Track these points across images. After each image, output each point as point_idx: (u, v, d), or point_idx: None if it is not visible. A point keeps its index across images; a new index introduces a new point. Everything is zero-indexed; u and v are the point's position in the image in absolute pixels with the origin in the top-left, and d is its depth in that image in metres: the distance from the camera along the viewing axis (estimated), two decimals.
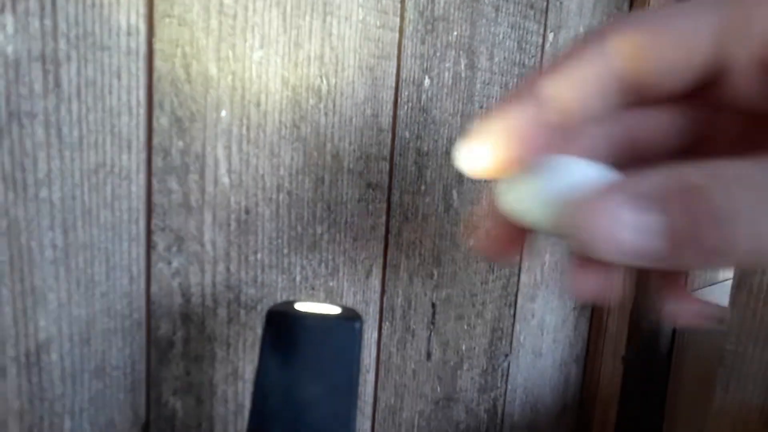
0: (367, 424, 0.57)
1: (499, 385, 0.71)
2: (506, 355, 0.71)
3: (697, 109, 0.30)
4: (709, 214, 0.22)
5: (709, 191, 0.22)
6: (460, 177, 0.60)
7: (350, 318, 0.31)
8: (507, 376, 0.72)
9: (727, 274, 1.05)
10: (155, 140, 0.39)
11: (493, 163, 0.26)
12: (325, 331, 0.31)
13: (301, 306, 0.33)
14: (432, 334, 0.61)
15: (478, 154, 0.26)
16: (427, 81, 0.55)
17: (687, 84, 0.27)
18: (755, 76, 0.26)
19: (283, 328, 0.31)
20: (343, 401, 0.31)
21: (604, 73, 0.26)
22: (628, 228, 0.23)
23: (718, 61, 0.26)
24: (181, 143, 0.40)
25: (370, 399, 0.56)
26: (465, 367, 0.66)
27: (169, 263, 0.40)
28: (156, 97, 0.38)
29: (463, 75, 0.58)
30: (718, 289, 1.00)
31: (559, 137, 0.27)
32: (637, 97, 0.28)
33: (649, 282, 0.85)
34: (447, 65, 0.57)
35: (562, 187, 0.25)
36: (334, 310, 0.33)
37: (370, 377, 0.56)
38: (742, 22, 0.25)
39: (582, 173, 0.26)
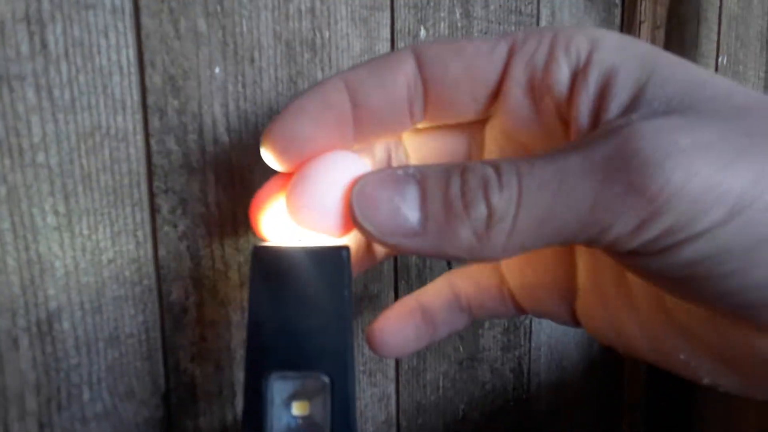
0: (391, 387, 0.56)
1: (522, 343, 0.70)
2: None
3: (475, 134, 0.35)
4: (465, 188, 0.25)
5: (466, 171, 0.25)
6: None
7: (336, 247, 0.31)
8: (530, 333, 0.71)
9: None
10: (150, 100, 0.38)
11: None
12: (312, 261, 0.31)
13: (287, 242, 0.32)
14: None
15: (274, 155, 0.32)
16: (423, 32, 0.54)
17: (477, 108, 0.32)
18: (521, 99, 0.30)
19: (269, 263, 0.31)
20: (337, 330, 0.31)
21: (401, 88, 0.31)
22: (389, 203, 0.27)
23: (498, 84, 0.30)
24: (176, 102, 0.39)
25: (391, 361, 0.55)
26: (486, 325, 0.65)
27: (175, 226, 0.40)
28: (146, 56, 0.37)
29: (459, 24, 0.57)
30: None
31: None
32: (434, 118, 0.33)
33: None
34: (442, 15, 0.55)
35: (336, 182, 0.30)
36: (321, 244, 0.33)
37: None
38: (526, 48, 0.29)
39: (347, 169, 0.31)
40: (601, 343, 0.37)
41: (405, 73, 0.30)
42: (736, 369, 0.29)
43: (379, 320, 0.38)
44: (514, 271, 0.39)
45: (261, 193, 0.35)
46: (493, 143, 0.33)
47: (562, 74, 0.27)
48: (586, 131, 0.27)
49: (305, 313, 0.32)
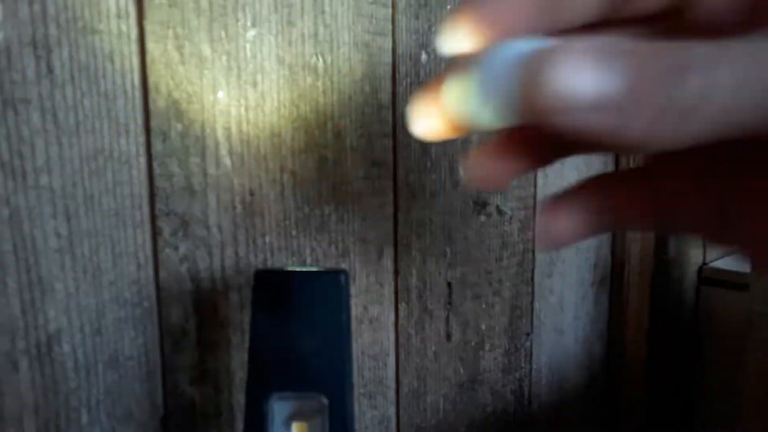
0: (392, 410, 0.55)
1: (523, 365, 0.69)
2: (528, 334, 0.69)
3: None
4: (685, 62, 0.21)
5: (676, 49, 0.21)
6: (465, 152, 0.59)
7: (335, 271, 0.32)
8: (530, 355, 0.70)
9: None
10: (153, 123, 0.38)
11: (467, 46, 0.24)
12: (311, 286, 0.32)
13: (288, 267, 0.33)
14: (450, 314, 0.60)
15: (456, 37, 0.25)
16: (424, 56, 0.55)
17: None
18: None
19: (270, 286, 0.32)
20: (336, 352, 0.32)
21: None
22: (586, 74, 0.21)
23: None
24: (179, 126, 0.39)
25: (392, 383, 0.55)
26: (487, 347, 0.64)
27: (176, 248, 0.40)
28: (151, 80, 0.38)
29: None
30: (739, 257, 0.98)
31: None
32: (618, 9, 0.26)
33: (667, 250, 0.84)
34: None
35: (508, 57, 0.23)
36: (320, 269, 0.34)
37: (391, 361, 0.55)
38: None
39: (527, 45, 0.23)
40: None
41: None
42: None
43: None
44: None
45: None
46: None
47: None
48: None
49: (305, 335, 0.32)
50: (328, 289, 0.32)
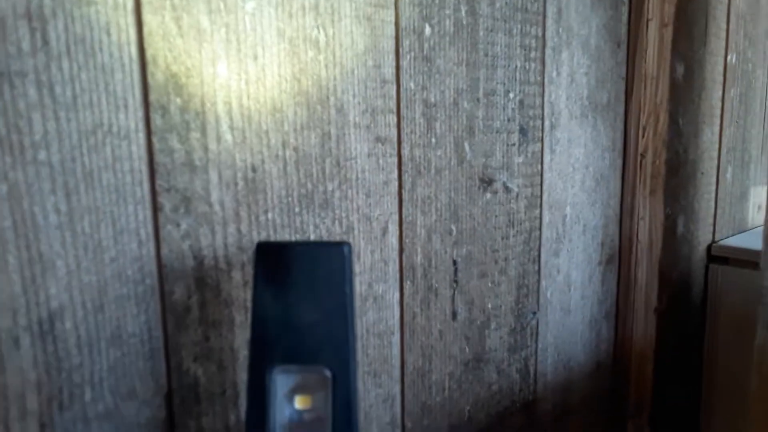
0: (396, 388, 0.55)
1: (529, 344, 0.69)
2: (534, 313, 0.69)
3: None
4: None
5: None
6: (471, 128, 0.58)
7: (338, 243, 0.32)
8: (536, 334, 0.70)
9: (758, 221, 1.02)
10: (152, 97, 0.37)
11: None
12: (314, 257, 0.32)
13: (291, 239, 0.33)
14: (456, 292, 0.59)
15: None
16: (428, 29, 0.53)
17: None
18: None
19: (273, 258, 0.32)
20: (338, 324, 0.32)
21: None
22: None
23: None
24: (179, 100, 0.39)
25: (397, 362, 0.55)
26: (492, 326, 0.64)
27: (178, 225, 0.39)
28: (149, 53, 0.37)
29: (464, 22, 0.56)
30: (750, 236, 0.96)
31: None
32: None
33: (676, 227, 0.83)
34: (447, 12, 0.55)
35: None
36: (322, 241, 0.33)
37: (396, 339, 0.54)
38: None
39: None
40: None
41: None
42: None
43: None
44: None
45: None
46: None
47: None
48: None
49: (307, 308, 0.32)
50: (331, 261, 0.32)
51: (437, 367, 0.59)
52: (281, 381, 0.31)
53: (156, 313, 0.39)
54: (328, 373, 0.31)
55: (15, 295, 0.33)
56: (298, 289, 0.32)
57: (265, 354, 0.31)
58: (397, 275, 0.54)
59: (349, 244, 0.32)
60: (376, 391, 0.54)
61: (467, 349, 0.62)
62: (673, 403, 0.85)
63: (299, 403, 0.32)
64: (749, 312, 0.78)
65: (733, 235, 0.97)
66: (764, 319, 0.67)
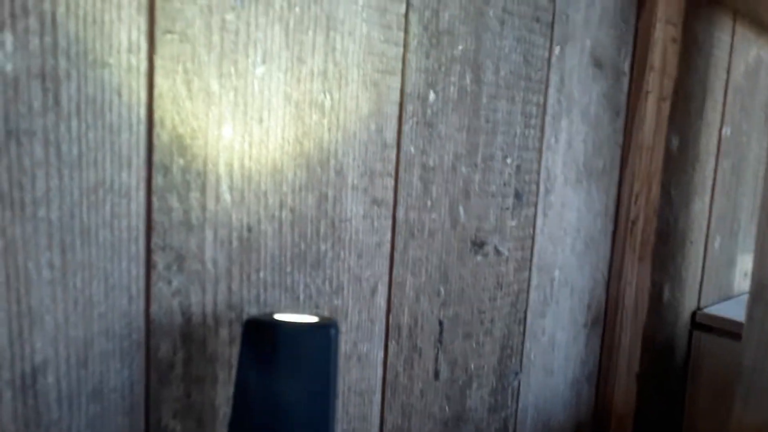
0: None
1: (509, 404, 0.69)
2: (516, 374, 0.69)
3: None
4: None
5: None
6: (466, 192, 0.59)
7: (325, 325, 0.32)
8: (518, 394, 0.70)
9: (743, 288, 1.03)
10: (156, 157, 0.38)
11: None
12: (300, 338, 0.32)
13: (279, 316, 0.33)
14: (439, 352, 0.60)
15: None
16: (432, 96, 0.55)
17: None
18: None
19: (260, 336, 0.32)
20: (320, 406, 0.32)
21: None
22: None
23: None
24: (182, 160, 0.39)
25: (376, 420, 0.55)
26: (474, 386, 0.64)
27: (170, 282, 0.40)
28: (157, 114, 0.38)
29: (468, 89, 0.58)
30: (735, 304, 0.98)
31: None
32: None
33: (662, 293, 0.84)
34: (452, 79, 0.56)
35: None
36: (311, 318, 0.34)
37: (377, 398, 0.55)
38: None
39: None
40: None
41: None
42: None
43: None
44: None
45: None
46: None
47: None
48: None
49: (291, 386, 0.32)
50: (317, 343, 0.32)
51: (416, 427, 0.59)
52: None
53: (140, 368, 0.39)
54: None
55: (1, 349, 0.34)
56: (282, 367, 0.32)
57: (246, 430, 0.31)
58: (383, 335, 0.54)
59: (336, 326, 0.32)
60: None
61: (447, 409, 0.62)
62: None
63: None
64: (730, 382, 0.78)
65: (718, 302, 0.98)
66: (742, 398, 0.68)
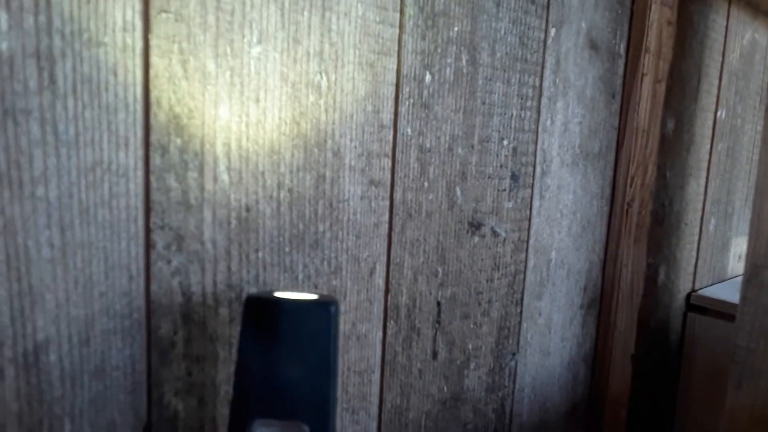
0: (373, 425, 0.56)
1: (506, 384, 0.70)
2: (513, 354, 0.70)
3: None
4: None
5: None
6: (463, 174, 0.59)
7: (326, 302, 0.33)
8: (515, 375, 0.71)
9: (737, 270, 1.04)
10: (153, 137, 0.38)
11: None
12: (301, 315, 0.33)
13: (279, 293, 0.34)
14: (438, 332, 0.60)
15: None
16: (428, 77, 0.55)
17: None
18: None
19: (261, 313, 0.32)
20: (321, 381, 0.32)
21: None
22: None
23: None
24: (179, 140, 0.39)
25: (375, 399, 0.56)
26: (472, 366, 0.65)
27: (169, 262, 0.40)
28: (153, 94, 0.38)
29: (464, 71, 0.58)
30: (729, 286, 0.98)
31: None
32: None
33: (657, 275, 0.84)
34: (448, 61, 0.56)
35: None
36: (311, 296, 0.34)
37: (376, 377, 0.55)
38: None
39: None
40: None
41: None
42: None
43: None
44: None
45: None
46: None
47: None
48: None
49: (292, 363, 0.32)
50: (318, 320, 0.33)
51: (415, 406, 0.60)
52: None
53: (141, 348, 0.40)
54: (307, 429, 0.32)
55: (3, 327, 0.34)
56: (283, 344, 0.32)
57: (247, 406, 0.32)
58: (382, 315, 0.54)
59: (336, 303, 0.33)
60: (353, 428, 0.54)
61: (445, 389, 0.62)
62: None
63: None
64: (723, 363, 0.79)
65: (713, 284, 0.99)
66: (736, 379, 0.68)
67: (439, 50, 0.55)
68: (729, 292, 0.92)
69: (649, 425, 0.87)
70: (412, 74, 0.53)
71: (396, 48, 0.51)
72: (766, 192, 0.65)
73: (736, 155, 0.98)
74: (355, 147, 0.49)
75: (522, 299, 0.69)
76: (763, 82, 1.01)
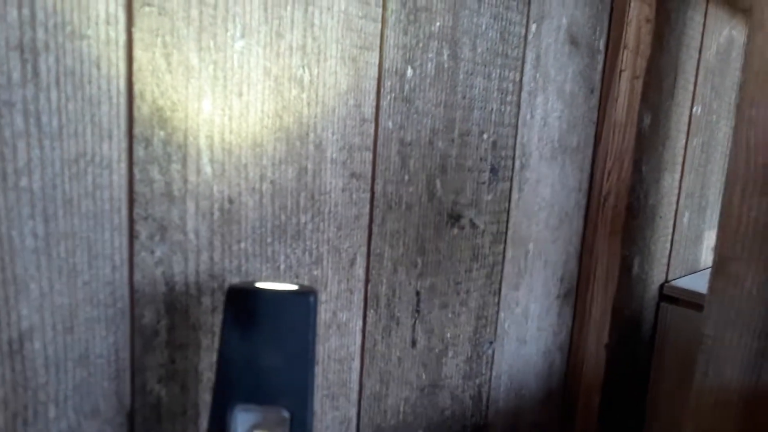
0: (353, 411, 0.57)
1: (483, 371, 0.72)
2: (491, 343, 0.72)
3: None
4: None
5: None
6: (443, 167, 0.60)
7: (305, 292, 0.34)
8: (492, 363, 0.73)
9: (709, 262, 1.07)
10: (136, 130, 0.39)
11: None
12: (281, 305, 0.34)
13: (260, 284, 0.35)
14: (417, 322, 0.62)
15: None
16: (410, 71, 0.56)
17: None
18: None
19: (242, 303, 0.33)
20: (300, 369, 0.33)
21: None
22: None
23: None
24: (162, 133, 0.40)
25: (355, 386, 0.57)
26: (450, 354, 0.67)
27: (152, 252, 0.41)
28: (137, 87, 0.38)
29: (446, 65, 0.59)
30: (700, 277, 1.02)
31: None
32: None
33: (632, 267, 0.87)
34: (430, 56, 0.57)
35: None
36: (292, 287, 0.35)
37: (356, 365, 0.57)
38: None
39: None
40: None
41: None
42: None
43: None
44: None
45: None
46: None
47: None
48: None
49: (272, 351, 0.34)
50: (297, 310, 0.34)
51: (394, 392, 0.61)
52: (242, 418, 0.33)
53: (125, 336, 0.40)
54: (286, 414, 0.33)
55: None
56: (264, 333, 0.33)
57: (229, 393, 0.33)
58: (362, 304, 0.56)
59: (315, 293, 0.34)
60: (333, 414, 0.56)
61: (424, 376, 0.64)
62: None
63: None
64: (692, 350, 0.82)
65: (685, 275, 1.02)
66: (703, 366, 0.71)
67: (420, 45, 0.56)
68: (701, 283, 0.95)
69: (621, 411, 0.90)
70: (394, 69, 0.54)
71: (378, 43, 0.52)
72: (735, 186, 0.67)
73: (711, 150, 1.01)
74: (337, 140, 0.50)
75: (500, 289, 0.71)
76: (739, 79, 1.03)
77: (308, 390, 0.34)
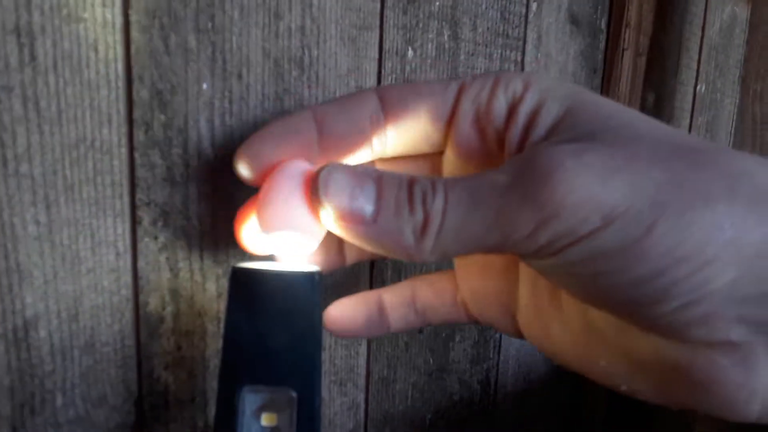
0: (361, 396, 0.57)
1: (491, 356, 0.72)
2: None
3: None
4: (417, 195, 0.29)
5: (413, 182, 0.30)
6: None
7: (309, 271, 0.34)
8: (499, 347, 0.73)
9: None
10: (136, 114, 0.38)
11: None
12: (285, 285, 0.33)
13: (263, 264, 0.35)
14: None
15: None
16: (410, 52, 0.55)
17: (433, 139, 0.38)
18: (468, 130, 0.36)
19: (246, 283, 0.33)
20: (306, 350, 0.33)
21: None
22: (350, 190, 0.30)
23: (450, 118, 0.36)
24: (162, 117, 0.39)
25: (362, 371, 0.57)
26: (457, 338, 0.66)
27: (156, 238, 0.40)
28: (135, 70, 0.38)
29: (446, 46, 0.58)
30: None
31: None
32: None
33: None
34: (430, 36, 0.56)
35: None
36: (296, 266, 0.35)
37: (363, 350, 0.56)
38: (473, 87, 0.35)
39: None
40: (540, 351, 0.40)
41: (369, 108, 0.35)
42: (647, 375, 0.32)
43: (336, 302, 0.43)
44: (466, 280, 0.42)
45: (243, 209, 0.37)
46: (448, 170, 0.37)
47: (501, 108, 0.33)
48: (514, 155, 0.32)
49: (277, 331, 0.33)
50: (302, 289, 0.33)
51: (401, 377, 0.61)
52: (249, 400, 0.33)
53: (130, 323, 0.40)
54: (293, 394, 0.32)
55: None
56: (268, 313, 0.33)
57: (235, 374, 0.33)
58: (367, 288, 0.55)
59: (319, 272, 0.34)
60: (341, 399, 0.56)
61: (431, 361, 0.64)
62: (626, 416, 0.89)
63: (265, 420, 0.33)
64: None
65: None
66: None
67: (420, 25, 0.55)
68: None
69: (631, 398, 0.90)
70: (395, 49, 0.53)
71: (378, 23, 0.51)
72: None
73: (716, 129, 1.00)
74: None
75: None
76: (743, 57, 1.02)
77: (315, 370, 0.33)
